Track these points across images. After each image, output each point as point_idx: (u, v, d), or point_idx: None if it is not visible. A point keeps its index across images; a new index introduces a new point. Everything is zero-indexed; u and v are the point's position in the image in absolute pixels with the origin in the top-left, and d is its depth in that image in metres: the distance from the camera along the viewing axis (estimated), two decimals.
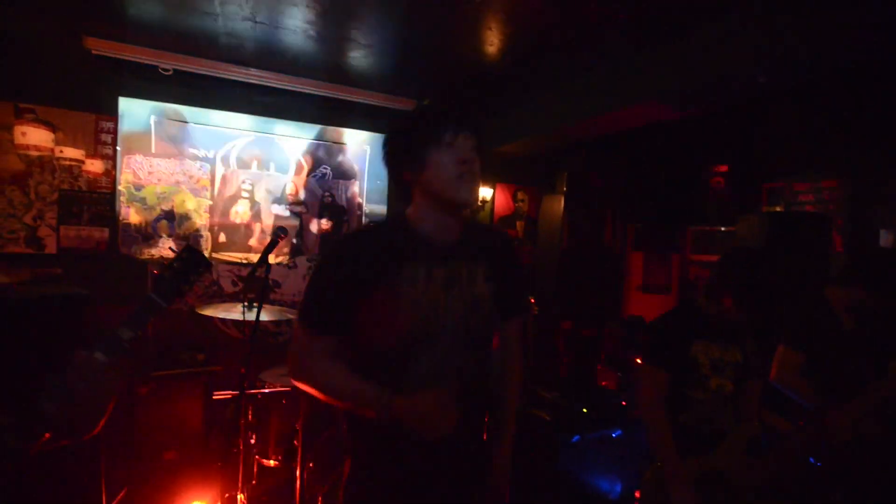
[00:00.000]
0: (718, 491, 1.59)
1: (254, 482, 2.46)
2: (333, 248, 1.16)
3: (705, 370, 1.64)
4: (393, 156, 1.13)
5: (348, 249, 1.11)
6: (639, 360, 1.76)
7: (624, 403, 2.73)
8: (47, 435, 0.91)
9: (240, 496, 2.27)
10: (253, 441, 2.38)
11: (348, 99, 3.58)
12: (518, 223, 4.50)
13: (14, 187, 2.92)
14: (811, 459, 1.75)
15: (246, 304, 2.22)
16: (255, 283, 2.25)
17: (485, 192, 4.25)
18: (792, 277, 2.20)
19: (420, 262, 1.09)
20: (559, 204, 4.31)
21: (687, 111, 2.92)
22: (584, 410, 2.65)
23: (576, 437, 2.42)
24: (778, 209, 3.27)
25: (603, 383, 3.40)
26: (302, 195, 3.70)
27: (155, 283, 1.06)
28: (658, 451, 1.63)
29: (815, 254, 2.50)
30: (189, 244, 1.18)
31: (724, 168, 3.65)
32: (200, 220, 3.39)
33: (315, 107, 3.61)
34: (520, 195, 4.50)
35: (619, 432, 2.46)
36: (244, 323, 2.18)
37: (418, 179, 1.09)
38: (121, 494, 2.67)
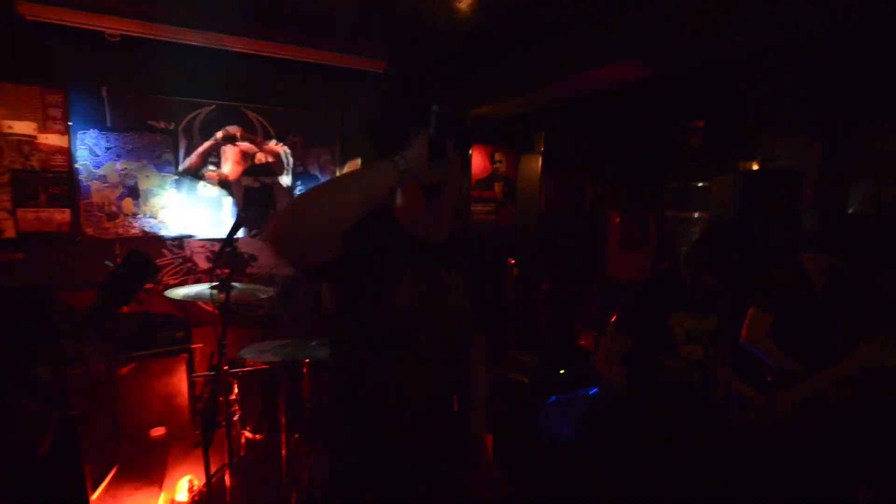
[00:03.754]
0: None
1: (242, 454, 2.51)
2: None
3: (680, 339, 1.68)
4: (377, 145, 1.15)
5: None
6: (612, 320, 1.80)
7: None
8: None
9: (227, 470, 2.32)
10: (237, 417, 2.41)
11: (317, 62, 3.39)
12: (496, 184, 4.45)
13: None
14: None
15: (216, 283, 2.18)
16: (226, 261, 2.21)
17: None
18: (768, 243, 2.23)
19: (412, 261, 1.11)
20: (537, 163, 4.25)
21: (664, 71, 2.83)
22: (562, 371, 2.73)
23: (552, 398, 2.50)
24: (754, 165, 3.28)
25: (582, 342, 3.49)
26: (272, 165, 3.58)
27: (98, 293, 1.04)
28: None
29: (786, 213, 2.52)
30: (133, 249, 1.15)
31: (700, 124, 3.61)
32: (167, 196, 3.28)
33: (281, 70, 3.42)
34: (497, 156, 4.42)
35: (595, 390, 2.54)
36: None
37: None
38: (111, 472, 2.72)
